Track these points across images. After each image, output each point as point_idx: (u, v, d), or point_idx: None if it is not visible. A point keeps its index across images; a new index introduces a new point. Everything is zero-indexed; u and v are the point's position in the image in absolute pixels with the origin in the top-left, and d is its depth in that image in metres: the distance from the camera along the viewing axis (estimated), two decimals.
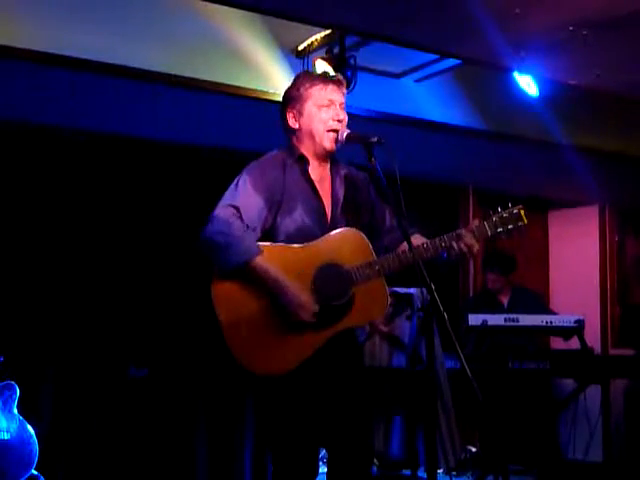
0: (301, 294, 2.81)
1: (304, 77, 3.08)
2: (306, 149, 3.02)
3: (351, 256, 2.90)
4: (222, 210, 2.86)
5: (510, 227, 2.98)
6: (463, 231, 2.94)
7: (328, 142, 2.98)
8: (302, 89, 3.01)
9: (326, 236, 2.92)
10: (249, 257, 2.80)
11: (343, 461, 2.93)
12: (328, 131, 2.97)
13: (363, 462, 2.97)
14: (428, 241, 2.94)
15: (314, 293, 2.84)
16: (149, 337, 5.21)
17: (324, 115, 2.97)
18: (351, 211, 3.05)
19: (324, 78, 3.04)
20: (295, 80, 3.08)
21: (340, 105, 3.00)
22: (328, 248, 2.90)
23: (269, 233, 2.92)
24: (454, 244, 2.92)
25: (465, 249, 2.92)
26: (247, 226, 2.85)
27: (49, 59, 4.35)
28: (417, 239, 2.97)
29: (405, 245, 2.97)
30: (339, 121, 2.98)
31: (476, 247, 2.94)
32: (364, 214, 3.10)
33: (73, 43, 4.36)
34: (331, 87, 3.01)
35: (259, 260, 2.81)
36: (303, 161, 3.00)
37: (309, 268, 2.85)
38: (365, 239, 2.95)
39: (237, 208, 2.85)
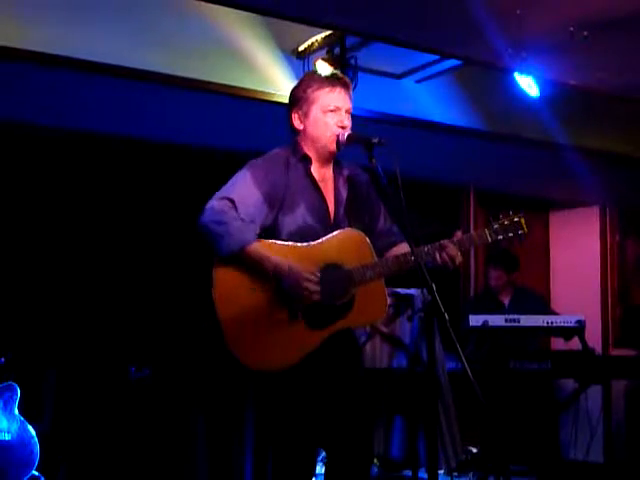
0: (304, 269, 2.81)
1: (311, 78, 3.06)
2: (309, 150, 3.02)
3: (353, 257, 2.91)
4: (216, 202, 2.86)
5: (510, 235, 2.99)
6: (446, 242, 2.93)
7: (331, 145, 2.98)
8: (309, 91, 2.99)
9: (329, 236, 2.93)
10: (245, 243, 2.80)
11: (342, 462, 2.94)
12: (331, 135, 2.98)
13: (362, 463, 2.97)
14: (429, 245, 2.93)
15: None
16: (150, 338, 5.21)
17: (329, 120, 2.97)
18: (353, 211, 3.06)
19: (332, 81, 3.01)
20: (302, 80, 3.07)
21: (346, 111, 3.00)
22: (330, 248, 2.91)
23: (270, 231, 2.92)
24: (436, 255, 2.91)
25: (447, 260, 2.91)
26: (242, 219, 2.84)
27: (50, 60, 4.35)
28: (403, 248, 2.99)
29: (396, 250, 2.99)
30: (343, 127, 2.97)
31: (459, 259, 2.93)
32: (365, 215, 3.10)
33: (73, 45, 4.37)
34: (338, 91, 2.99)
35: (256, 246, 2.81)
36: (306, 161, 3.01)
37: (311, 268, 2.85)
38: (367, 241, 2.96)
39: (232, 200, 2.84)
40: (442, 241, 2.93)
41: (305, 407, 2.88)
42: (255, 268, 2.82)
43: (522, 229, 3.01)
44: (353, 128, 3.01)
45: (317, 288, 2.82)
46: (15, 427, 4.48)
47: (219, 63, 4.81)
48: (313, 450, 2.98)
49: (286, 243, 2.90)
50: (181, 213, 5.29)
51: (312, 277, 2.81)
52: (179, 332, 5.22)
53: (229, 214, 2.82)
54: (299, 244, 2.90)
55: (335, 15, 4.39)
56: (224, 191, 2.89)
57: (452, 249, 2.92)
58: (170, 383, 5.15)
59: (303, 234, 2.92)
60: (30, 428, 4.52)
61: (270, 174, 2.93)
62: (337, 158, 3.08)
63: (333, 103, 2.98)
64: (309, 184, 2.99)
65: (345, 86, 3.03)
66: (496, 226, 2.99)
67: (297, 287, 2.80)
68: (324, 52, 4.92)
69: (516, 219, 3.00)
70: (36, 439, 4.50)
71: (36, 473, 4.49)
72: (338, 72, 3.19)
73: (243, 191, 2.88)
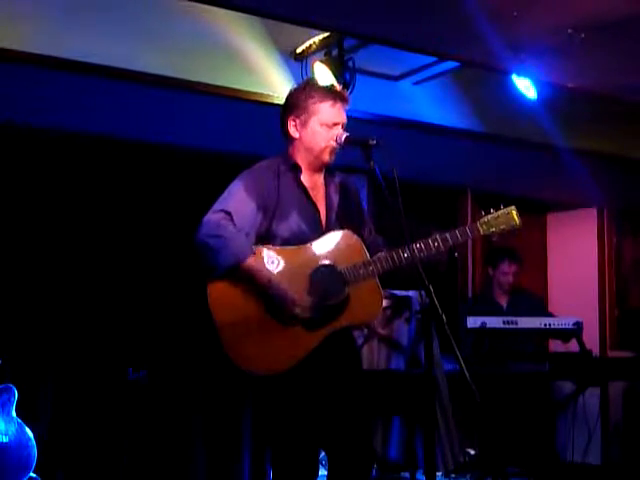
0: (294, 292, 2.84)
1: (312, 89, 3.06)
2: (302, 158, 3.04)
3: (345, 257, 2.93)
4: (213, 215, 2.89)
5: (503, 228, 3.00)
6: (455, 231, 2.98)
7: (326, 157, 3.02)
8: (310, 102, 3.01)
9: (321, 238, 2.96)
10: (241, 258, 2.83)
11: (343, 464, 2.95)
12: (326, 148, 3.00)
13: (363, 465, 2.98)
14: (421, 241, 2.95)
15: (309, 293, 2.87)
16: (148, 339, 5.21)
17: (326, 134, 3.00)
18: (345, 218, 3.09)
19: (333, 95, 3.03)
20: (302, 89, 3.07)
21: (343, 125, 3.03)
22: (323, 249, 2.94)
23: (265, 238, 2.95)
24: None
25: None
26: (239, 231, 2.87)
27: (48, 62, 4.35)
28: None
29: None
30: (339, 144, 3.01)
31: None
32: (356, 221, 3.13)
33: (71, 46, 4.36)
34: (339, 107, 3.02)
35: (251, 261, 2.84)
36: (296, 169, 3.03)
37: (304, 269, 2.88)
38: (359, 240, 2.99)
39: (228, 213, 2.88)
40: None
41: (304, 409, 2.89)
42: (249, 280, 2.84)
43: (514, 222, 3.01)
44: (350, 130, 3.02)
45: (305, 314, 2.85)
46: (13, 429, 4.48)
47: (217, 65, 4.81)
48: (314, 452, 2.98)
49: (279, 247, 2.93)
50: (178, 216, 5.31)
51: (300, 302, 2.84)
52: (176, 333, 5.21)
53: (227, 228, 2.85)
54: (292, 247, 2.93)
55: (333, 17, 4.39)
56: (219, 204, 2.92)
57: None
58: (168, 385, 5.15)
59: (297, 240, 2.95)
60: (28, 430, 4.51)
61: (261, 183, 2.96)
62: (329, 166, 3.10)
63: (333, 119, 3.00)
64: (299, 192, 3.02)
65: (344, 101, 3.06)
66: (487, 219, 3.00)
67: (285, 309, 2.83)
68: (322, 54, 4.92)
69: (507, 212, 3.01)
70: (34, 441, 4.50)
71: (34, 475, 4.49)
72: (337, 85, 3.21)
73: (238, 202, 2.91)
